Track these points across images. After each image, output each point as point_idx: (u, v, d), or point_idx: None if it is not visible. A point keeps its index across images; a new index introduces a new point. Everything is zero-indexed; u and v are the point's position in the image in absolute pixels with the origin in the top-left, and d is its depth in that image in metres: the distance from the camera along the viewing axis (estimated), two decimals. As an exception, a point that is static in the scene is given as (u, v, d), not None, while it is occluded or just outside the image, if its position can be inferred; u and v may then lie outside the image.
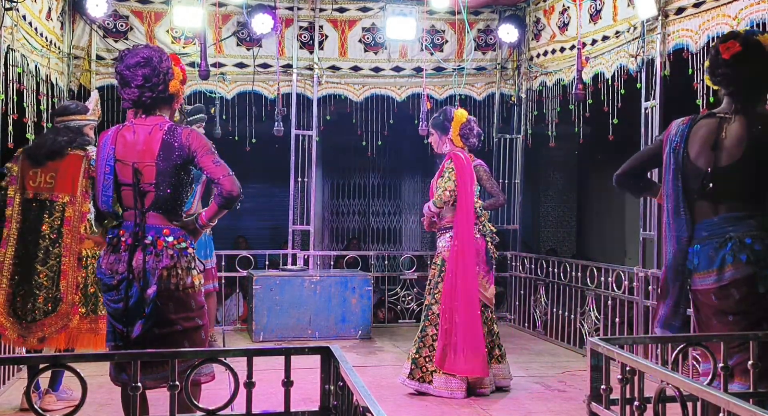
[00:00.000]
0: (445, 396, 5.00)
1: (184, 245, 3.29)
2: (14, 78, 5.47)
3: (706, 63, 3.26)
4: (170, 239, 3.26)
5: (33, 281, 4.44)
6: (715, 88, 3.26)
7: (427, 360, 5.06)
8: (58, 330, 4.43)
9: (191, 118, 5.45)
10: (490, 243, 5.29)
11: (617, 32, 6.31)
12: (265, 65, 7.60)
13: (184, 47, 7.26)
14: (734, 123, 3.15)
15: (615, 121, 6.39)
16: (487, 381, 5.12)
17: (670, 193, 3.19)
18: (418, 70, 7.85)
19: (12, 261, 4.44)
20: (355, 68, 7.83)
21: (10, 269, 4.43)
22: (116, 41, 7.28)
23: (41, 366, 2.33)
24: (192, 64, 6.94)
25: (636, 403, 2.50)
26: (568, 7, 7.08)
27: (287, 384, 2.52)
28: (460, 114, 5.26)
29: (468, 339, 4.96)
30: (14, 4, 5.30)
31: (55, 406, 4.48)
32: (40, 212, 4.45)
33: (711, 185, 3.12)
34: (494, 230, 5.41)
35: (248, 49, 7.55)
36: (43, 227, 4.45)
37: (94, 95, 4.99)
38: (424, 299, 5.26)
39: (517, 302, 7.86)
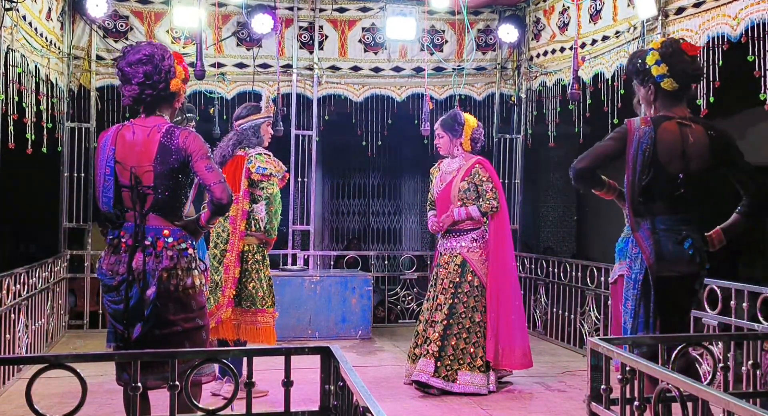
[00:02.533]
0: (470, 392, 5.02)
1: (184, 245, 3.28)
2: (14, 78, 5.47)
3: (663, 61, 3.43)
4: (170, 240, 3.25)
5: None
6: (674, 86, 3.42)
7: (452, 358, 5.07)
8: (215, 320, 4.77)
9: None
10: None
11: (617, 32, 6.31)
12: (265, 65, 7.60)
13: (184, 47, 7.25)
14: (693, 129, 3.40)
15: (615, 121, 6.38)
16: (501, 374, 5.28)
17: (635, 189, 3.35)
18: (418, 70, 7.85)
19: None
20: (355, 68, 7.83)
21: None
22: (116, 41, 7.28)
23: (41, 366, 2.33)
24: (192, 65, 6.93)
25: (636, 403, 2.50)
26: (568, 7, 7.07)
27: (287, 384, 2.53)
28: (471, 119, 5.39)
29: (520, 334, 5.22)
30: (14, 4, 5.30)
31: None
32: None
33: (682, 190, 3.34)
34: None
35: (248, 50, 7.55)
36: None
37: (265, 93, 5.39)
38: (435, 299, 5.24)
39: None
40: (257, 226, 4.92)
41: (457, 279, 5.18)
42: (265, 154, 5.00)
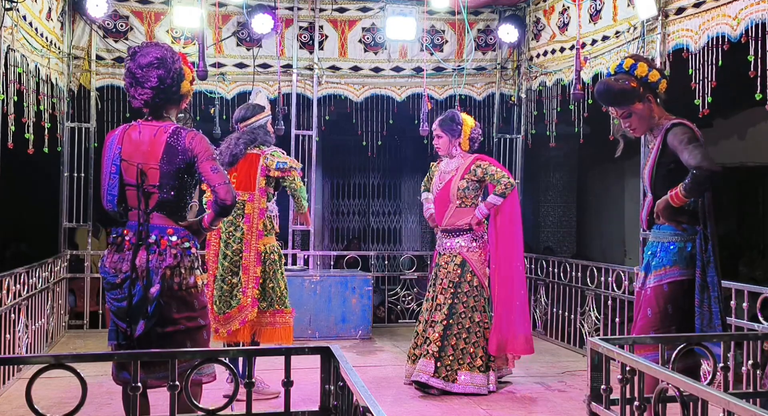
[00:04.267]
0: (470, 392, 5.03)
1: (187, 245, 3.29)
2: (14, 78, 5.47)
3: (652, 68, 3.67)
4: (174, 238, 3.26)
5: (218, 276, 4.87)
6: (665, 88, 3.69)
7: (452, 358, 5.07)
8: (239, 322, 4.80)
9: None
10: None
11: (617, 32, 6.31)
12: (265, 65, 7.61)
13: (184, 47, 7.25)
14: None
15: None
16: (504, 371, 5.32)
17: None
18: (418, 70, 7.84)
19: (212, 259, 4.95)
20: (355, 68, 7.83)
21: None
22: (116, 41, 7.28)
23: (41, 366, 2.33)
24: (192, 64, 6.93)
25: (636, 403, 2.50)
26: (568, 7, 7.07)
27: (287, 384, 2.53)
28: (469, 119, 5.40)
29: (523, 319, 5.26)
30: (14, 4, 5.30)
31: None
32: None
33: None
34: None
35: (248, 49, 7.55)
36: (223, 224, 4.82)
37: (263, 92, 5.46)
38: (434, 299, 5.23)
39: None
40: (272, 225, 4.95)
41: (457, 279, 5.18)
42: (279, 151, 5.04)
